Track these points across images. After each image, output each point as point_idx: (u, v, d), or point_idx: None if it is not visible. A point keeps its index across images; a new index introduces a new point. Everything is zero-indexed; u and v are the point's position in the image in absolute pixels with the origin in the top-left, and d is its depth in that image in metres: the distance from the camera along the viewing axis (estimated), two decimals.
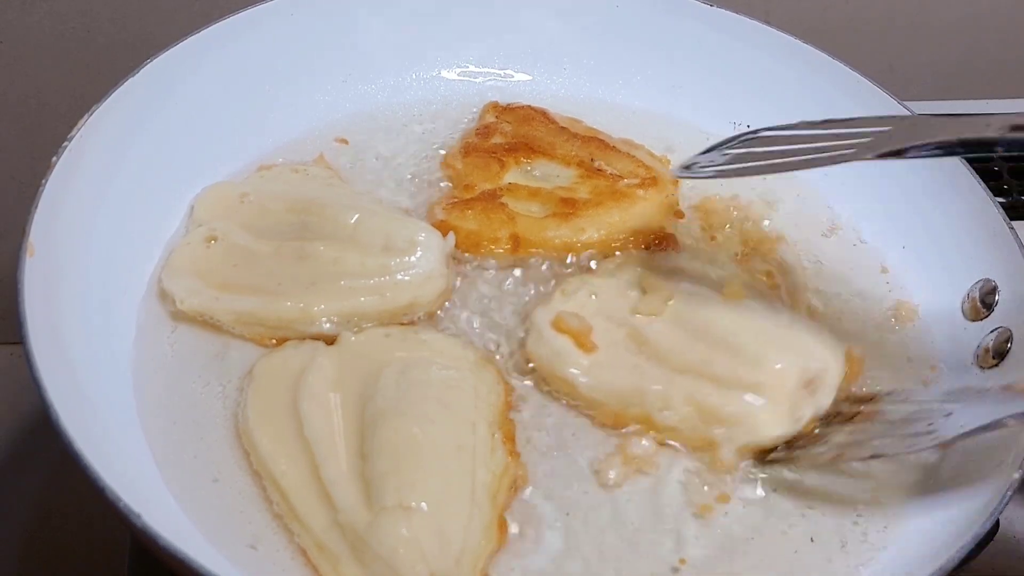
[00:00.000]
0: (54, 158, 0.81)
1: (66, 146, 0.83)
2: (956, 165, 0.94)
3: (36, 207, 0.78)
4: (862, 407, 0.82)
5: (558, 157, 0.99)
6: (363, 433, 0.75)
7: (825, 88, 1.02)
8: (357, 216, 0.88)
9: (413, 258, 0.86)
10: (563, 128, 1.02)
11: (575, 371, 0.82)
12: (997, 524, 0.73)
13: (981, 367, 0.86)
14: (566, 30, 1.09)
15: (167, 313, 0.85)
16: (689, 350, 0.82)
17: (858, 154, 0.77)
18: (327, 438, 0.75)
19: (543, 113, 1.03)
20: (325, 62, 1.03)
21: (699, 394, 0.80)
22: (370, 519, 0.70)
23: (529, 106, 1.04)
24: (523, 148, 0.99)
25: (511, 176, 0.97)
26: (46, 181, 0.80)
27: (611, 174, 0.98)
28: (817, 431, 0.80)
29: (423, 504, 0.71)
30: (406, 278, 0.86)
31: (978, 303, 0.89)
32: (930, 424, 0.77)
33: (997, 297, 0.88)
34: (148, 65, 0.91)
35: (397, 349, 0.82)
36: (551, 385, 0.83)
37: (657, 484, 0.79)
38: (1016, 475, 0.73)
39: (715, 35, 1.07)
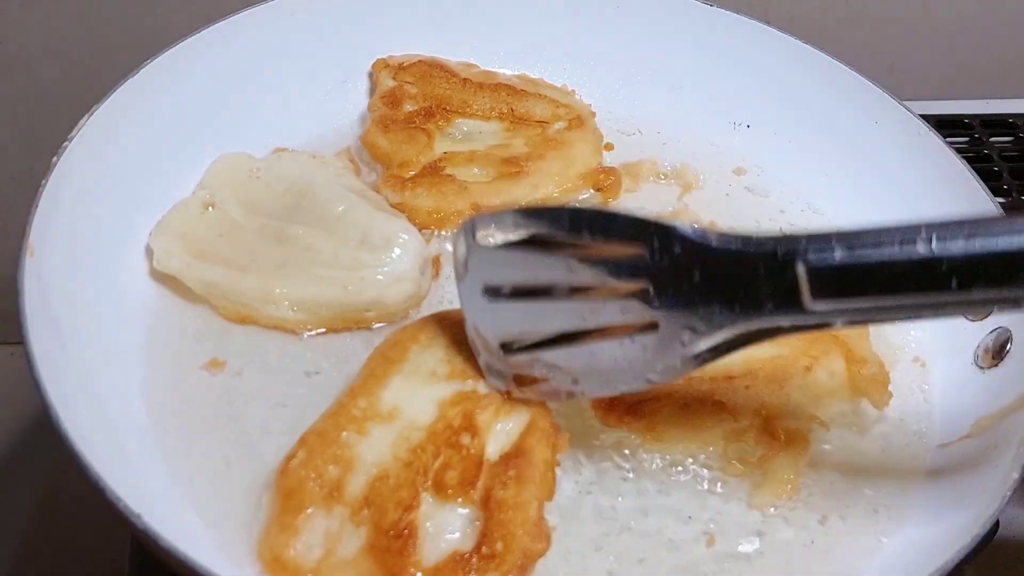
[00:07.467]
0: (54, 158, 0.81)
1: (66, 146, 0.83)
2: (956, 165, 0.93)
3: (36, 207, 0.78)
4: None
5: (476, 113, 1.00)
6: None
7: (825, 88, 1.03)
8: (344, 207, 0.87)
9: (387, 257, 0.85)
10: (466, 80, 1.02)
11: None
12: (997, 524, 0.73)
13: (981, 367, 0.86)
14: (566, 30, 1.09)
15: (168, 311, 0.85)
16: None
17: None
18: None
19: (439, 65, 1.03)
20: (326, 62, 1.03)
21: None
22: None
23: (421, 60, 1.04)
24: (439, 112, 0.99)
25: (438, 143, 0.97)
26: (46, 181, 0.80)
27: (537, 122, 0.99)
28: None
29: None
30: (375, 276, 0.84)
31: None
32: None
33: None
34: (148, 65, 0.91)
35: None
36: None
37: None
38: (1016, 475, 0.73)
39: (715, 35, 1.07)
